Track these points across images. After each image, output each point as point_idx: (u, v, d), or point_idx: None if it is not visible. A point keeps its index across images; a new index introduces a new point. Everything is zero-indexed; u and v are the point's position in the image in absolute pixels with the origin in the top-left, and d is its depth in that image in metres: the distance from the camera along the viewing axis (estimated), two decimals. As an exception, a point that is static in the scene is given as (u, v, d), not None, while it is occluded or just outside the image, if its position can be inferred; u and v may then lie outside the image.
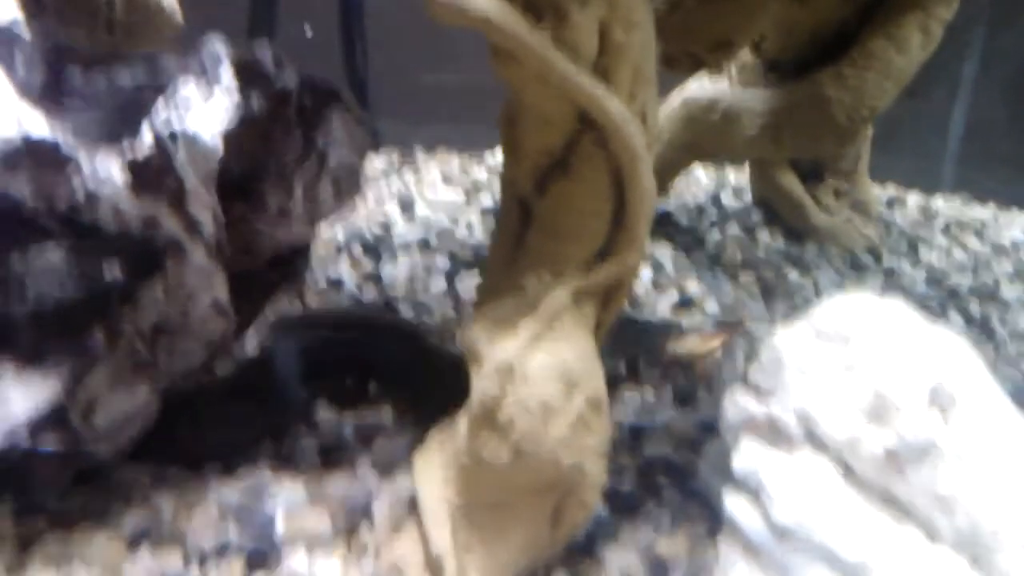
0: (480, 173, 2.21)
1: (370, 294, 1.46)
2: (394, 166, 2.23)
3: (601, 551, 0.88)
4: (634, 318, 1.45)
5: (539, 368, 0.82)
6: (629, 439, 1.10)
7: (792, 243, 1.87)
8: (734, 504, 0.78)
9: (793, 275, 1.71)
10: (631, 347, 1.33)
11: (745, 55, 1.78)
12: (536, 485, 0.82)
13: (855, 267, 1.78)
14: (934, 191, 2.35)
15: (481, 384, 0.81)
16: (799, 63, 1.68)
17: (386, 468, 0.94)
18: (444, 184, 2.10)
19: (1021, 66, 2.49)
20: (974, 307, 1.62)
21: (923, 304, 1.62)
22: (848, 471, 0.73)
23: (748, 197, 2.09)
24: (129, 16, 1.18)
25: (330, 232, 1.71)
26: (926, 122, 2.57)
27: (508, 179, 0.97)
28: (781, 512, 0.72)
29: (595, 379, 0.86)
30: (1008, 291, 1.70)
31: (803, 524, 0.71)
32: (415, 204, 1.94)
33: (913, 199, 2.24)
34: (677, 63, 1.37)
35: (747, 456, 0.79)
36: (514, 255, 0.94)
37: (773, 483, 0.75)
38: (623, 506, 0.95)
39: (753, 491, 0.77)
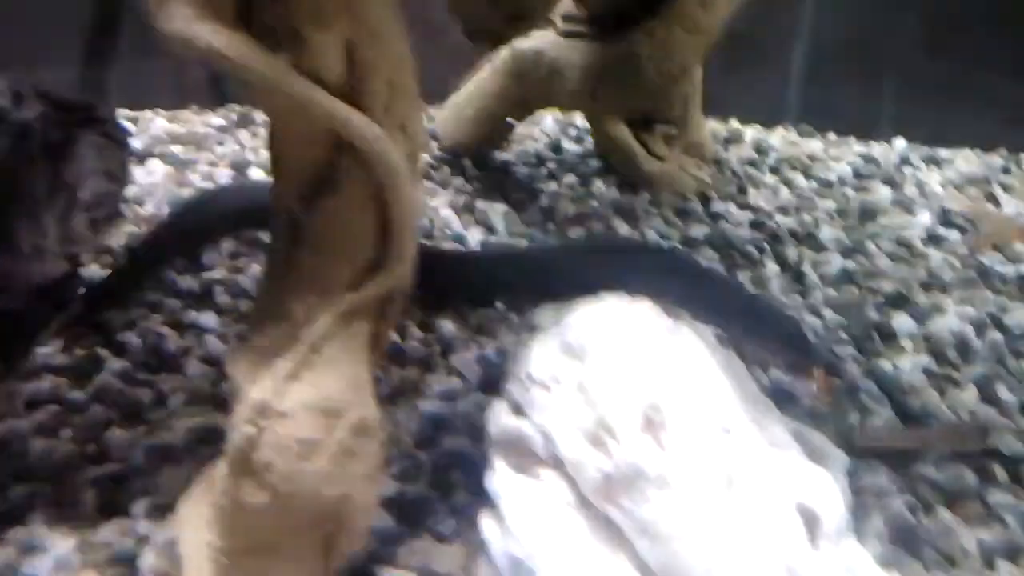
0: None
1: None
2: (232, 125, 2.16)
3: (378, 570, 0.91)
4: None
5: (298, 403, 0.82)
6: (429, 431, 1.12)
7: (626, 193, 1.90)
8: (487, 527, 0.81)
9: (623, 227, 1.74)
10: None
11: (569, 4, 1.78)
12: (300, 523, 0.83)
13: (682, 214, 1.81)
14: (776, 123, 2.39)
15: (237, 426, 0.81)
16: (619, 17, 1.68)
17: (162, 508, 0.94)
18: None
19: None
20: (791, 251, 1.68)
21: (744, 250, 1.67)
22: (580, 496, 0.77)
23: (591, 142, 2.10)
24: None
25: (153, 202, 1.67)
26: (768, 52, 2.61)
27: (276, 197, 0.95)
28: (515, 541, 0.76)
29: (362, 404, 0.88)
30: (826, 232, 1.76)
31: (531, 555, 0.74)
32: (249, 168, 1.89)
33: (751, 134, 2.28)
34: (478, 38, 1.36)
35: (498, 475, 0.81)
36: (283, 278, 0.93)
37: (512, 508, 0.78)
38: (409, 514, 0.97)
39: (500, 515, 0.80)
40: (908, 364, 1.34)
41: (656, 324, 0.85)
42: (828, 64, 2.64)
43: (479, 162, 1.96)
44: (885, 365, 1.33)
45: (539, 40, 1.78)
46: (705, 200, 1.89)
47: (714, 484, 0.73)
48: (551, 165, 2.02)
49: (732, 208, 1.86)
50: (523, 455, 0.82)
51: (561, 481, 0.78)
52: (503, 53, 1.85)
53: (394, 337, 1.32)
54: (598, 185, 1.92)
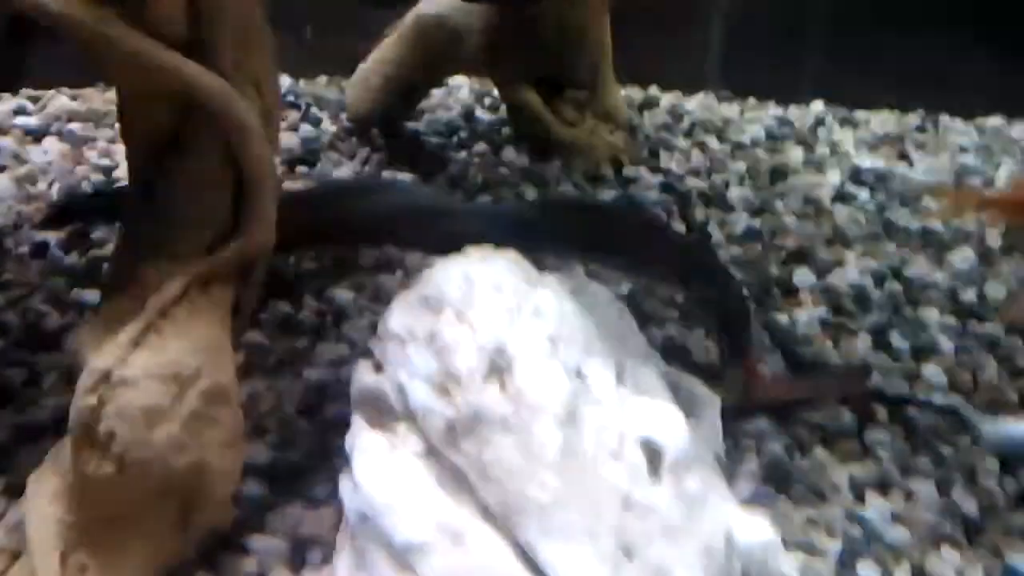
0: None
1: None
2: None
3: (247, 539, 0.89)
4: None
5: (143, 370, 0.80)
6: (313, 398, 1.10)
7: (536, 160, 1.87)
8: (343, 485, 0.79)
9: (532, 194, 1.72)
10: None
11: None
12: (151, 493, 0.81)
13: (593, 180, 1.80)
14: (696, 90, 2.38)
15: (78, 397, 0.78)
16: (518, -22, 1.66)
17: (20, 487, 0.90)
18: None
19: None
20: (699, 212, 1.67)
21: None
22: (431, 446, 0.75)
23: (504, 109, 2.08)
24: None
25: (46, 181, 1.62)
26: (688, 17, 2.59)
27: (128, 163, 0.92)
28: (362, 497, 0.74)
29: (218, 369, 0.85)
30: (735, 192, 1.76)
31: (376, 508, 0.73)
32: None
33: (668, 99, 2.27)
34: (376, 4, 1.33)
35: (352, 433, 0.80)
36: (136, 246, 0.90)
37: (362, 464, 0.76)
38: (284, 481, 0.95)
39: (351, 472, 0.78)
40: (805, 316, 1.34)
41: (516, 275, 0.84)
42: (748, 28, 2.64)
43: (388, 132, 1.93)
44: (781, 318, 1.33)
45: (442, 4, 1.75)
46: (617, 166, 1.88)
47: (556, 424, 0.73)
48: (463, 134, 1.99)
49: (643, 172, 1.85)
50: (381, 411, 0.80)
51: (412, 434, 0.77)
52: (407, 19, 1.82)
53: (287, 308, 1.29)
54: (509, 153, 1.90)
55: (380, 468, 0.76)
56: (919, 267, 1.49)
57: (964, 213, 1.69)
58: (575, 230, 1.15)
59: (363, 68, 1.93)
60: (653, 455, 0.76)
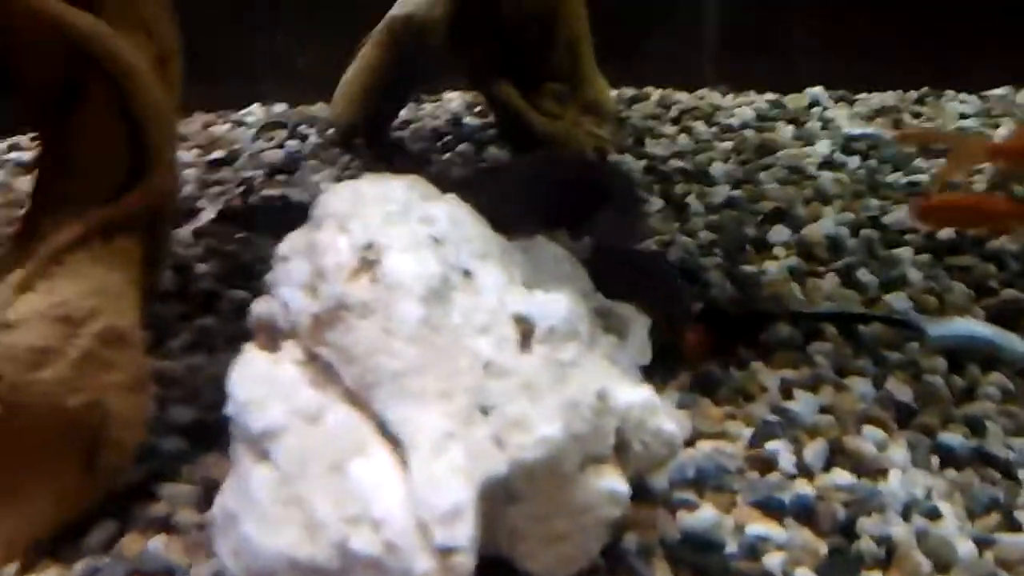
0: None
1: None
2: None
3: (158, 487, 0.87)
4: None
5: (30, 312, 0.79)
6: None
7: (519, 155, 1.86)
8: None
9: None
10: None
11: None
12: (46, 437, 0.79)
13: (575, 168, 1.77)
14: (695, 87, 2.36)
15: (-37, 339, 0.78)
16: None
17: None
18: None
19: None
20: (679, 187, 1.64)
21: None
22: (308, 353, 0.73)
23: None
24: None
25: None
26: (682, 17, 2.57)
27: (24, 117, 0.93)
28: (231, 404, 0.73)
29: (117, 314, 0.84)
30: (718, 168, 1.72)
31: (237, 406, 0.73)
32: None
33: (658, 95, 2.25)
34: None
35: (237, 360, 0.78)
36: (38, 200, 0.90)
37: (235, 376, 0.75)
38: (204, 437, 0.93)
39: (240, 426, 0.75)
40: (776, 267, 1.29)
41: (411, 191, 0.82)
42: (744, 23, 2.61)
43: (371, 139, 1.93)
44: (749, 270, 1.28)
45: (408, 4, 1.76)
46: (603, 154, 1.85)
47: (417, 302, 0.71)
48: (447, 139, 1.99)
49: (628, 158, 1.82)
50: (272, 335, 0.78)
51: (295, 347, 0.75)
52: (380, 25, 1.83)
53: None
54: (492, 150, 1.89)
55: (251, 375, 0.74)
56: (898, 214, 1.43)
57: (968, 168, 1.61)
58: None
59: (344, 80, 1.94)
60: (527, 331, 0.73)
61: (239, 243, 1.43)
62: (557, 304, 0.74)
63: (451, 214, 0.80)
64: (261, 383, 0.73)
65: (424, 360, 0.69)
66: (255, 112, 2.16)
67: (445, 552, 0.61)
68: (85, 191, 0.87)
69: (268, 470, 0.69)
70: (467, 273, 0.76)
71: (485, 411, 0.67)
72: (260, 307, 0.80)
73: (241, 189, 1.70)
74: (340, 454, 0.67)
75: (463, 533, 0.62)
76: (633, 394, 0.74)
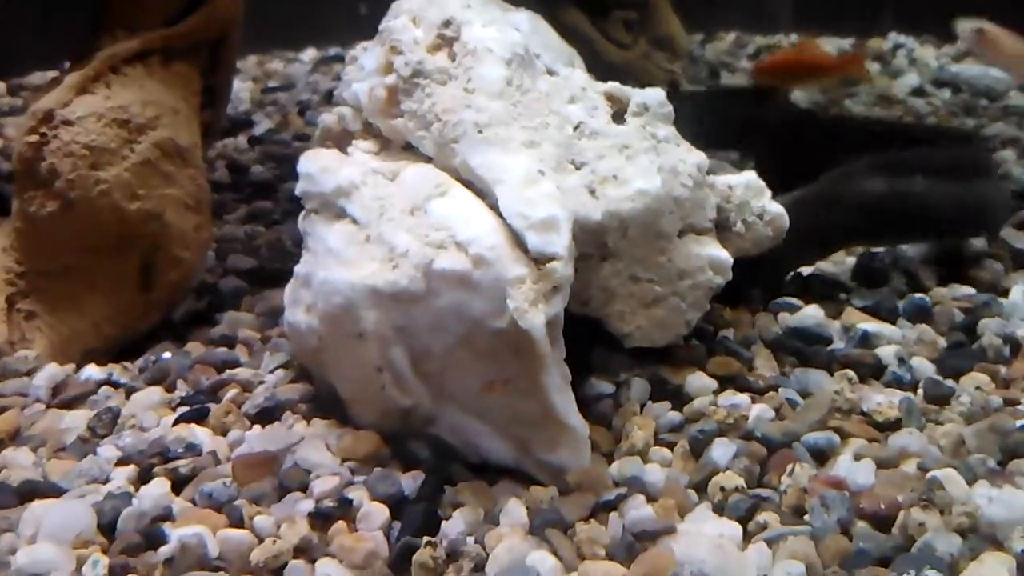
0: None
1: None
2: None
3: (219, 316, 0.83)
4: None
5: (84, 110, 0.74)
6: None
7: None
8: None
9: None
10: None
11: None
12: (102, 240, 0.75)
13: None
14: (775, 32, 2.27)
15: (19, 138, 0.73)
16: None
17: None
18: None
19: None
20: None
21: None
22: (381, 142, 0.69)
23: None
24: None
25: None
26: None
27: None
28: (302, 183, 0.70)
29: (177, 129, 0.79)
30: (799, 96, 1.64)
31: (311, 179, 0.69)
32: None
33: (733, 35, 2.17)
34: None
35: (307, 160, 0.71)
36: (97, 21, 0.85)
37: (304, 162, 0.70)
38: (265, 278, 0.88)
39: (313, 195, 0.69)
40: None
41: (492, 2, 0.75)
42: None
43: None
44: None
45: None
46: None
47: (501, 64, 0.65)
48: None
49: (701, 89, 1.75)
50: (341, 139, 0.72)
51: (365, 141, 0.69)
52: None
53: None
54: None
55: (322, 158, 0.69)
56: (995, 129, 1.34)
57: None
58: None
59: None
60: (620, 109, 0.69)
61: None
62: (654, 91, 0.70)
63: (532, 21, 0.74)
64: (333, 159, 0.68)
65: (509, 114, 0.63)
66: (310, 53, 2.13)
67: (540, 259, 0.56)
68: (142, 11, 0.82)
69: (344, 223, 0.65)
70: (551, 72, 0.71)
71: (577, 165, 0.62)
72: (327, 117, 0.74)
73: (297, 109, 1.65)
74: (420, 199, 0.62)
75: (559, 241, 0.57)
76: (735, 176, 0.69)
